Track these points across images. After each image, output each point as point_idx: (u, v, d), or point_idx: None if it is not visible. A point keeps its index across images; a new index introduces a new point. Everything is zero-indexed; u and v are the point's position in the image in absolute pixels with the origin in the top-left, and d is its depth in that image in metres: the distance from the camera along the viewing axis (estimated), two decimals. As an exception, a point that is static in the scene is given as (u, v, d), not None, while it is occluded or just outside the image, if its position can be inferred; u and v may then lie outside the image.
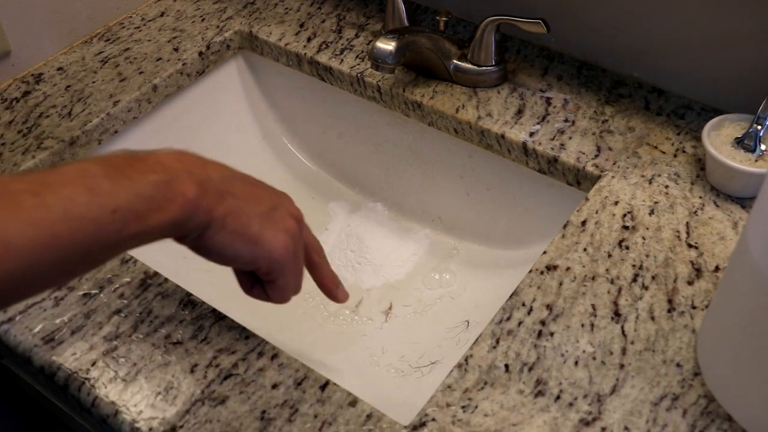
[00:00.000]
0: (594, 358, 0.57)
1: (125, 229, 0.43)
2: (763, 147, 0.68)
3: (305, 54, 0.88)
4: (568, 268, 0.64)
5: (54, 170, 0.43)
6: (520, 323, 0.60)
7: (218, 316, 0.61)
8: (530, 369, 0.57)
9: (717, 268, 0.63)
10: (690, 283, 0.62)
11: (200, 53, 0.88)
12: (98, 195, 0.42)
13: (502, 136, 0.76)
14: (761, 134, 0.67)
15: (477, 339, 0.59)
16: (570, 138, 0.75)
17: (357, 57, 0.86)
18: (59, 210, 0.41)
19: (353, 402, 0.55)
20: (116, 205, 0.43)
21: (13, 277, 0.39)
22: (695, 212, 0.68)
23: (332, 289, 0.60)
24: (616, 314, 0.60)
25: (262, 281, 0.55)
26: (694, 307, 0.60)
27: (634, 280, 0.62)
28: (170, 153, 0.48)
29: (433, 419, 0.54)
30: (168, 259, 0.71)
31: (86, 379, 0.58)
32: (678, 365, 0.56)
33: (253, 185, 0.53)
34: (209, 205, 0.48)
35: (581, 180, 0.73)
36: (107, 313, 0.62)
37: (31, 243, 0.40)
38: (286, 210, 0.54)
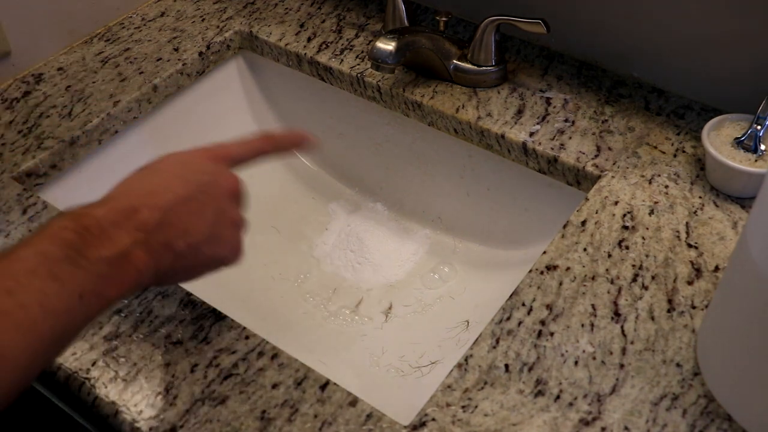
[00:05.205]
0: (594, 358, 0.57)
1: (90, 311, 0.44)
2: (763, 147, 0.68)
3: (305, 54, 0.88)
4: (568, 268, 0.64)
5: (13, 256, 0.42)
6: (520, 323, 0.60)
7: (218, 316, 0.61)
8: (530, 369, 0.57)
9: (717, 268, 0.63)
10: (690, 283, 0.62)
11: (200, 53, 0.88)
12: (65, 282, 0.42)
13: (502, 136, 0.76)
14: (761, 134, 0.67)
15: (477, 339, 0.59)
16: (570, 138, 0.75)
17: (357, 57, 0.86)
18: (36, 307, 0.40)
19: (353, 402, 0.55)
20: (82, 290, 0.42)
21: (7, 390, 0.39)
22: (695, 212, 0.68)
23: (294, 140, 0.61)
24: (616, 314, 0.60)
25: None
26: (693, 307, 0.60)
27: (634, 280, 0.62)
28: (115, 214, 0.46)
29: (433, 419, 0.54)
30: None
31: (86, 378, 0.58)
32: (678, 365, 0.56)
33: (191, 201, 0.51)
34: (159, 264, 0.48)
35: (581, 180, 0.73)
36: (107, 313, 0.62)
37: (23, 352, 0.39)
38: (225, 212, 0.53)
